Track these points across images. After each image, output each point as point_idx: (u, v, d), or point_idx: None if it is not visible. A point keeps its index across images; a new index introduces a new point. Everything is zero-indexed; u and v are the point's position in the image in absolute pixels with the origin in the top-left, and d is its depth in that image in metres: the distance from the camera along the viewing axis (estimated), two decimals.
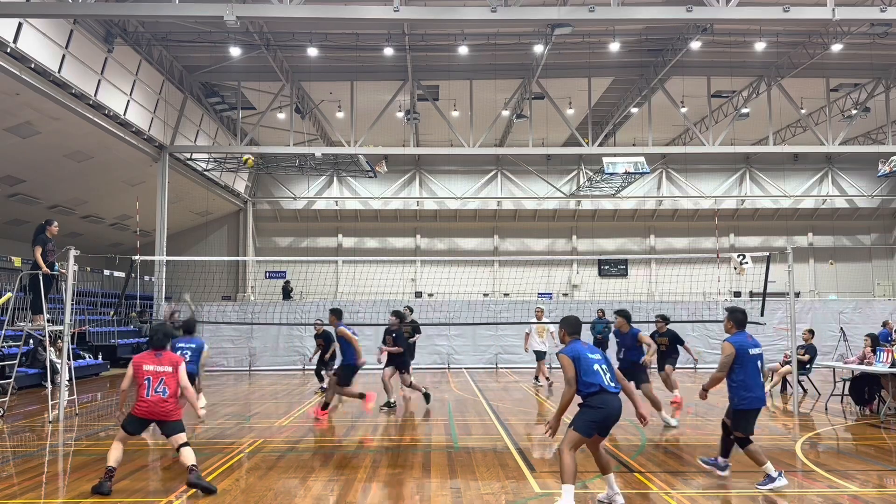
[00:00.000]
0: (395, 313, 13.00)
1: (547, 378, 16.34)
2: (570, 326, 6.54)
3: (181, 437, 7.23)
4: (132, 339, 22.50)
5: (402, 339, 12.90)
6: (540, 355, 16.60)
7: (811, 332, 14.79)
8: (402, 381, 12.90)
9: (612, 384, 6.22)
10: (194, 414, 8.46)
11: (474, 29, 19.80)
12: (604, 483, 6.47)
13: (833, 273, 33.35)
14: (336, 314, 11.66)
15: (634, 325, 11.09)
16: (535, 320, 16.74)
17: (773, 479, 6.90)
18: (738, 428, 7.10)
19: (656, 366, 12.80)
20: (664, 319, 13.28)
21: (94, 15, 16.08)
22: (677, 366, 12.98)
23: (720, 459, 7.41)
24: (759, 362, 7.13)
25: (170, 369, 7.42)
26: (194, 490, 6.93)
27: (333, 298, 28.26)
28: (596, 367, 6.21)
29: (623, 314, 10.90)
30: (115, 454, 7.18)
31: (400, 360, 12.83)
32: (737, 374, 7.01)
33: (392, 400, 12.69)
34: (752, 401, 7.00)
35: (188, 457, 7.12)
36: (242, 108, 25.18)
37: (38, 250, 11.76)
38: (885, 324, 18.08)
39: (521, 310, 21.74)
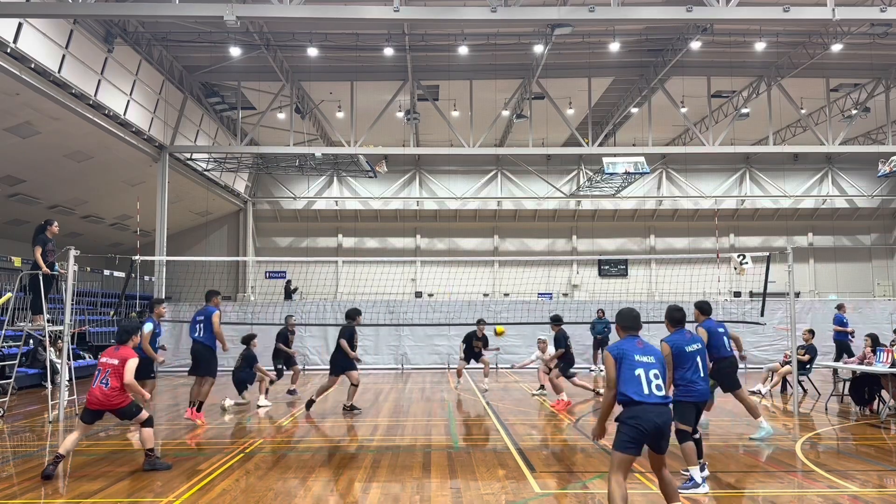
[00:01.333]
0: (354, 311, 12.60)
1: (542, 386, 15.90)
2: (623, 320, 5.86)
3: (142, 417, 7.84)
4: None
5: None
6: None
7: (811, 332, 14.80)
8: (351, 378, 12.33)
9: (657, 393, 5.51)
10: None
11: (474, 29, 19.80)
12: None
13: (833, 273, 33.35)
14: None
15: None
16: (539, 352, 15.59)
17: (696, 484, 6.90)
18: (677, 418, 7.07)
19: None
20: (556, 321, 13.77)
21: (94, 15, 16.07)
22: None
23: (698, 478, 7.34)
24: (698, 357, 7.22)
25: (116, 362, 7.82)
26: (194, 490, 6.93)
27: (333, 298, 28.28)
28: (638, 371, 5.51)
29: (700, 307, 8.94)
30: (67, 443, 7.74)
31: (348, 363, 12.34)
32: (676, 371, 7.14)
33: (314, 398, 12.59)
34: (694, 394, 7.11)
35: (146, 439, 7.76)
36: (242, 108, 25.17)
37: (38, 250, 11.76)
38: (839, 307, 18.13)
39: (521, 310, 21.76)
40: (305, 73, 23.71)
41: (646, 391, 5.47)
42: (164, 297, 22.43)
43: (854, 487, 7.06)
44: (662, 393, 5.54)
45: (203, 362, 11.33)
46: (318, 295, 27.78)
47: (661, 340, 7.32)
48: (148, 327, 10.81)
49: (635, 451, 5.46)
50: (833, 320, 17.60)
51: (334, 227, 33.63)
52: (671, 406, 5.94)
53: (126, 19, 18.61)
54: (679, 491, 6.80)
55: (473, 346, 15.94)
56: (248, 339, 13.95)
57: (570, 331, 21.11)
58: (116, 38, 19.10)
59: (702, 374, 7.18)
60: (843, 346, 17.03)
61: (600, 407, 5.80)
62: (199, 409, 11.35)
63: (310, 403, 12.42)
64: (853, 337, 17.11)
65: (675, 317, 7.34)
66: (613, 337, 19.57)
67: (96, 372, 7.86)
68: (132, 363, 7.82)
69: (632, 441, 5.43)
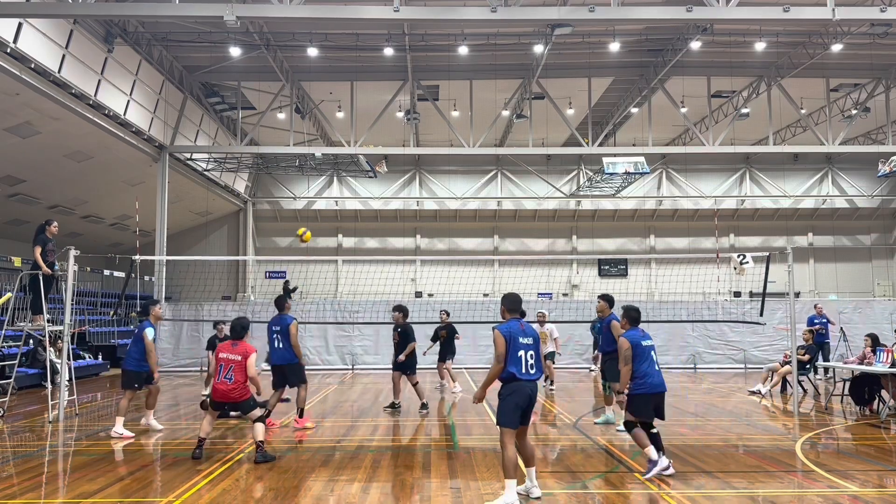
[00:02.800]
0: (399, 307, 12.71)
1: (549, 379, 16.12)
2: (510, 303, 6.72)
3: (255, 413, 8.32)
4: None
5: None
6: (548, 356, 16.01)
7: (811, 332, 14.79)
8: (410, 380, 12.56)
9: (531, 371, 6.43)
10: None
11: (474, 29, 19.80)
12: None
13: (833, 273, 33.35)
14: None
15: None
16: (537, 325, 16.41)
17: (655, 463, 7.17)
18: (631, 410, 7.51)
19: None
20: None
21: (94, 15, 16.07)
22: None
23: (654, 456, 7.45)
24: (652, 352, 7.70)
25: (239, 359, 8.25)
26: (194, 490, 6.93)
27: (333, 298, 28.28)
28: (521, 353, 6.41)
29: (606, 298, 10.19)
30: (205, 427, 8.42)
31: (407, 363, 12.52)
32: (634, 364, 7.56)
33: (397, 402, 12.64)
34: (647, 386, 7.51)
35: (258, 432, 8.17)
36: (242, 108, 25.18)
37: (38, 250, 11.74)
38: (815, 306, 18.21)
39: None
40: (305, 73, 23.72)
41: (524, 370, 6.40)
42: (164, 296, 22.44)
43: (854, 487, 7.05)
44: (535, 371, 6.47)
45: (292, 374, 10.57)
46: (317, 294, 27.78)
47: (621, 336, 7.83)
48: (150, 333, 10.21)
49: (518, 422, 6.40)
50: (806, 323, 17.79)
51: (334, 227, 33.64)
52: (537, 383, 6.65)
53: (126, 19, 18.62)
54: (645, 477, 7.20)
55: (440, 337, 15.94)
56: (215, 324, 14.79)
57: (571, 330, 21.23)
58: (116, 38, 19.11)
59: (656, 368, 7.62)
60: (821, 347, 17.25)
61: (487, 376, 6.58)
62: (301, 416, 10.78)
63: (424, 405, 12.45)
64: (822, 329, 17.24)
65: (632, 315, 7.94)
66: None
67: (218, 367, 8.31)
68: (253, 358, 8.29)
69: (515, 414, 6.36)
